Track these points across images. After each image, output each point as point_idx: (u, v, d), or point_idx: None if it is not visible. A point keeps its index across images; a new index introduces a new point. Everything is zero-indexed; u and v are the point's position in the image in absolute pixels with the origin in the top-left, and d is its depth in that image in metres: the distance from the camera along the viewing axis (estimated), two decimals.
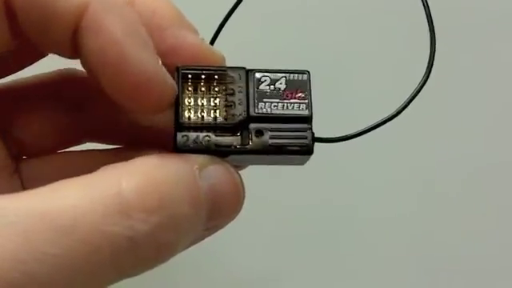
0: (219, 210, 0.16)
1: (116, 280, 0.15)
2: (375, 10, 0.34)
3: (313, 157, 0.18)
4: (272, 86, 0.17)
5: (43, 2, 0.16)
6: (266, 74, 0.17)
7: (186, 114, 0.17)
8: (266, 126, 0.17)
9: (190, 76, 0.17)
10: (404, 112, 0.18)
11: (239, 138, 0.17)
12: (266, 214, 0.29)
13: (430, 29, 0.18)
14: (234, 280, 0.30)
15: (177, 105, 0.17)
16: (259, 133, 0.17)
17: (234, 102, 0.17)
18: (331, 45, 0.33)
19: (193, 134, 0.17)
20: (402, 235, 0.32)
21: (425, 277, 0.32)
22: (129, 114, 0.19)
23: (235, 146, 0.17)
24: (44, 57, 0.20)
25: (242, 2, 0.20)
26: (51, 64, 0.20)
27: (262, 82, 0.17)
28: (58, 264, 0.13)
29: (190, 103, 0.17)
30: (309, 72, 0.18)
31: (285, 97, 0.17)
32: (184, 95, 0.17)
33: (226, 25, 0.20)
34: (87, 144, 0.21)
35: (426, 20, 0.18)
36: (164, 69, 0.16)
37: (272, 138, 0.17)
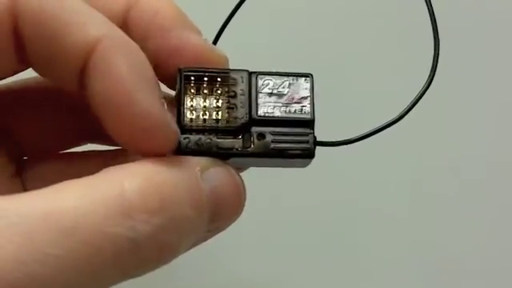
0: (221, 211, 0.16)
1: (118, 281, 0.15)
2: (378, 14, 0.34)
3: (314, 160, 0.18)
4: (275, 90, 0.17)
5: (52, 34, 0.15)
6: (268, 76, 0.17)
7: (188, 115, 0.17)
8: (268, 130, 0.17)
9: (192, 78, 0.17)
10: (406, 116, 0.18)
11: (241, 140, 0.17)
12: (267, 216, 0.29)
13: (433, 33, 0.18)
14: (236, 282, 0.30)
15: (179, 107, 0.17)
16: (261, 136, 0.17)
17: (237, 105, 0.17)
18: (334, 48, 0.33)
19: (195, 137, 0.17)
20: (404, 238, 0.32)
21: (427, 279, 0.31)
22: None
23: (237, 149, 0.17)
24: None
25: (245, 3, 0.20)
26: None
27: (265, 85, 0.17)
28: (60, 265, 0.13)
29: (192, 105, 0.17)
30: (312, 75, 0.18)
31: (287, 100, 0.17)
32: (186, 97, 0.17)
33: (229, 25, 0.20)
34: (88, 145, 0.21)
35: (429, 24, 0.18)
36: (169, 113, 0.16)
37: (274, 141, 0.17)
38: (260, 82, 0.17)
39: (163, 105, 0.16)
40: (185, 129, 0.17)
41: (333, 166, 0.26)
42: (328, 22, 0.33)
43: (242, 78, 0.17)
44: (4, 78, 0.18)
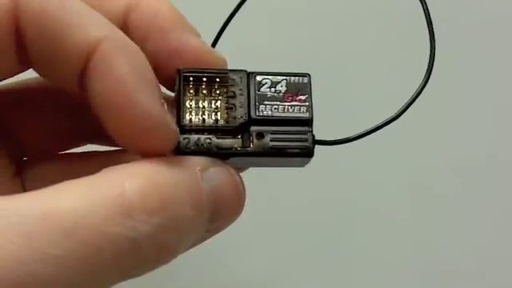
0: (220, 211, 0.16)
1: (118, 281, 0.15)
2: (375, 14, 0.34)
3: (313, 159, 0.18)
4: (273, 89, 0.17)
5: (53, 35, 0.16)
6: (266, 76, 0.18)
7: (188, 116, 0.17)
8: (267, 129, 0.17)
9: (191, 78, 0.17)
10: (404, 114, 0.18)
11: (240, 140, 0.17)
12: (266, 215, 0.29)
13: (429, 31, 0.18)
14: (234, 282, 0.30)
15: (178, 107, 0.17)
16: (260, 135, 0.17)
17: (235, 105, 0.17)
18: (332, 48, 0.33)
19: (194, 137, 0.17)
20: (403, 237, 0.32)
21: (426, 279, 0.32)
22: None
23: (236, 149, 0.17)
24: None
25: (243, 6, 0.20)
26: None
27: (263, 85, 0.17)
28: (60, 265, 0.13)
29: (191, 106, 0.17)
30: (309, 75, 0.18)
31: (285, 99, 0.17)
32: (185, 98, 0.17)
33: (228, 27, 0.20)
34: (88, 146, 0.22)
35: (425, 22, 0.18)
36: (168, 113, 0.16)
37: (273, 140, 0.17)
38: (258, 82, 0.17)
39: (163, 105, 0.16)
40: (184, 129, 0.17)
41: (332, 165, 0.26)
42: (326, 23, 0.34)
43: (240, 78, 0.18)
44: (5, 79, 0.18)
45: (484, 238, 0.32)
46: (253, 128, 0.17)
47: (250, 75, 0.18)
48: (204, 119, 0.17)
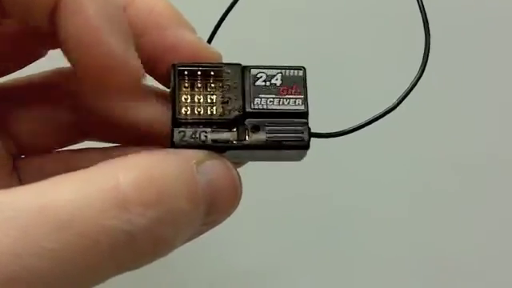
0: (217, 204, 0.16)
1: (114, 274, 0.15)
2: (370, 5, 0.34)
3: (310, 153, 0.18)
4: (268, 82, 0.18)
5: None
6: (261, 70, 0.18)
7: (183, 110, 0.17)
8: (263, 122, 0.17)
9: (186, 73, 0.17)
10: (400, 107, 0.18)
11: (236, 133, 0.17)
12: (262, 208, 0.29)
13: (424, 23, 0.18)
14: (231, 275, 0.30)
15: (173, 101, 0.17)
16: (255, 128, 0.17)
17: (231, 98, 0.17)
18: (327, 41, 0.33)
19: (190, 130, 0.17)
20: (399, 229, 0.32)
21: (423, 273, 0.32)
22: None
23: (232, 142, 0.17)
24: (42, 57, 0.20)
25: (238, 2, 0.20)
26: (50, 64, 0.20)
27: (258, 78, 0.18)
28: (56, 258, 0.13)
29: (186, 100, 0.17)
30: (304, 68, 0.18)
31: (281, 92, 0.17)
32: (181, 92, 0.17)
33: (223, 23, 0.20)
34: (85, 142, 0.22)
35: (420, 14, 0.18)
36: (134, 52, 0.17)
37: (268, 132, 0.17)
38: (253, 76, 0.18)
39: (131, 46, 0.17)
40: (180, 122, 0.17)
41: (328, 159, 0.26)
42: (320, 16, 0.34)
43: (235, 71, 0.18)
44: None
45: (483, 236, 0.32)
46: (248, 121, 0.17)
47: (244, 69, 0.18)
48: (199, 112, 0.17)
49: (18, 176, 0.20)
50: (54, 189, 0.14)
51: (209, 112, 0.17)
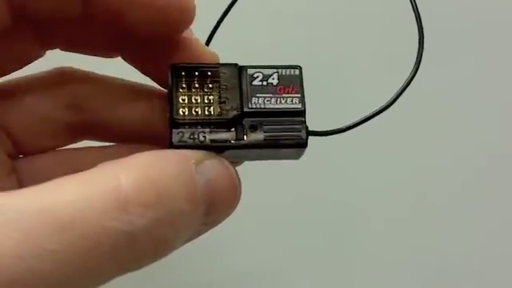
0: (216, 204, 0.16)
1: (115, 275, 0.15)
2: (366, 7, 0.34)
3: (309, 153, 0.18)
4: (265, 82, 0.18)
5: None
6: (258, 69, 0.18)
7: (181, 110, 0.17)
8: (260, 121, 0.17)
9: (183, 73, 0.17)
10: (397, 105, 0.18)
11: (234, 133, 0.17)
12: (261, 208, 0.30)
13: (417, 22, 0.18)
14: (231, 275, 0.30)
15: (171, 101, 0.17)
16: (253, 127, 0.17)
17: (228, 98, 0.17)
18: (324, 40, 0.33)
19: (188, 131, 0.17)
20: (398, 229, 0.32)
21: (422, 274, 0.32)
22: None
23: (230, 141, 0.17)
24: (41, 56, 0.20)
25: (235, 4, 0.20)
26: (48, 64, 0.21)
27: (255, 78, 0.18)
28: (58, 259, 0.13)
29: (184, 100, 0.17)
30: (300, 67, 0.18)
31: (278, 92, 0.18)
32: (178, 93, 0.17)
33: (220, 23, 0.20)
34: (84, 142, 0.22)
35: (414, 14, 0.18)
36: None
37: (266, 131, 0.17)
38: (250, 75, 0.18)
39: None
40: (178, 123, 0.17)
41: (325, 155, 0.26)
42: (317, 17, 0.34)
43: (232, 71, 0.18)
44: None
45: (483, 237, 0.32)
46: (246, 120, 0.17)
47: (241, 69, 0.18)
48: (197, 113, 0.17)
49: (17, 176, 0.20)
50: (55, 190, 0.14)
51: (206, 112, 0.17)
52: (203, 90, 0.17)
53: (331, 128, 0.18)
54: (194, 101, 0.17)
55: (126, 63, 0.20)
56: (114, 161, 0.15)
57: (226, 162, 0.17)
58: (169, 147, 0.17)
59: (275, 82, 0.18)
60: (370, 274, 0.31)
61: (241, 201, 0.17)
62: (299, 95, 0.18)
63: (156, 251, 0.15)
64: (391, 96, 0.18)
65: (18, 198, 0.14)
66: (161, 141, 0.18)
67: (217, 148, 0.17)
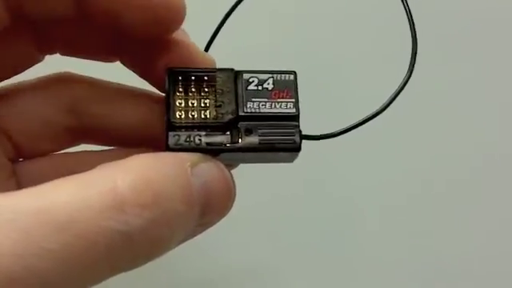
0: (211, 206, 0.17)
1: (112, 274, 0.15)
2: (359, 11, 0.34)
3: (303, 155, 0.18)
4: (260, 87, 0.18)
5: None
6: (253, 74, 0.18)
7: (178, 114, 0.17)
8: (255, 125, 0.18)
9: (180, 78, 0.18)
10: (391, 109, 0.18)
11: (229, 136, 0.18)
12: (256, 209, 0.30)
13: (410, 26, 0.19)
14: (226, 272, 0.30)
15: (168, 105, 0.18)
16: (248, 131, 0.18)
17: (224, 102, 0.18)
18: (318, 45, 0.34)
19: (184, 133, 0.17)
20: (392, 226, 0.32)
21: (419, 274, 0.32)
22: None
23: (225, 145, 0.17)
24: (40, 61, 0.21)
25: (233, 11, 0.20)
26: (47, 69, 0.21)
27: (250, 83, 0.18)
28: (55, 258, 0.14)
29: (180, 104, 0.18)
30: (295, 72, 0.18)
31: (272, 96, 0.18)
32: (175, 96, 0.18)
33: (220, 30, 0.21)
34: (82, 145, 0.22)
35: (407, 18, 0.19)
36: None
37: (261, 135, 0.18)
38: (245, 80, 0.18)
39: None
40: (174, 126, 0.17)
41: (318, 159, 0.27)
42: (313, 22, 0.34)
43: (228, 76, 0.18)
44: None
45: (483, 237, 0.32)
46: (241, 124, 0.18)
47: (237, 73, 0.18)
48: (193, 116, 0.17)
49: (17, 180, 0.21)
50: (53, 191, 0.15)
51: (203, 116, 0.18)
52: (200, 94, 0.18)
53: (325, 132, 0.18)
54: (190, 104, 0.18)
55: (125, 69, 0.21)
56: (112, 162, 0.16)
57: (221, 165, 0.17)
58: (165, 150, 0.17)
59: (270, 86, 0.18)
60: (365, 273, 0.31)
61: (238, 200, 0.17)
62: (293, 100, 0.18)
63: (152, 251, 0.15)
64: (385, 100, 0.18)
65: (17, 198, 0.14)
66: (159, 144, 0.18)
67: (212, 151, 0.17)
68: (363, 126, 0.18)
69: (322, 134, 0.18)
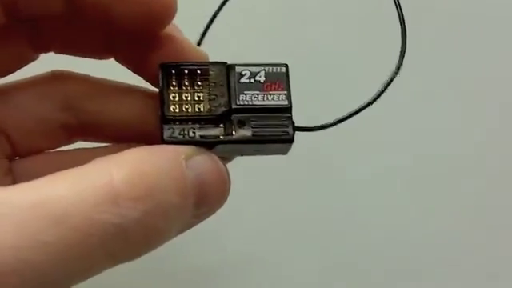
0: (206, 198, 0.17)
1: (108, 266, 0.15)
2: (350, 5, 0.35)
3: (298, 148, 0.18)
4: (252, 79, 0.18)
5: None
6: (246, 67, 0.18)
7: (171, 107, 0.18)
8: (248, 117, 0.18)
9: (173, 72, 0.18)
10: (381, 101, 0.19)
11: (223, 129, 0.18)
12: (250, 200, 0.30)
13: (399, 18, 0.19)
14: (221, 262, 0.31)
15: (162, 99, 0.18)
16: (241, 123, 0.18)
17: (217, 95, 0.18)
18: (311, 37, 0.34)
19: (178, 127, 0.17)
20: (388, 218, 0.32)
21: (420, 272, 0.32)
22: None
23: (219, 137, 0.18)
24: (35, 59, 0.21)
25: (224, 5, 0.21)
26: (42, 67, 0.21)
27: (243, 76, 0.18)
28: (51, 251, 0.14)
29: (174, 98, 0.18)
30: (287, 65, 0.18)
31: (265, 89, 0.18)
32: (169, 90, 0.18)
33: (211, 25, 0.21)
34: (78, 142, 0.22)
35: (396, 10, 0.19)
36: None
37: (254, 127, 0.18)
38: (238, 73, 0.18)
39: None
40: (168, 119, 0.18)
41: (311, 150, 0.27)
42: (305, 16, 0.34)
43: (220, 70, 0.18)
44: None
45: (482, 236, 0.32)
46: (234, 116, 0.18)
47: (229, 67, 0.18)
48: (187, 110, 0.18)
49: (13, 178, 0.21)
50: (48, 185, 0.15)
51: (196, 109, 0.18)
52: (193, 88, 0.18)
53: (318, 123, 0.19)
54: (184, 98, 0.18)
55: (119, 66, 0.21)
56: (107, 156, 0.16)
57: (216, 157, 0.17)
58: (160, 143, 0.17)
59: (262, 79, 0.18)
60: (364, 263, 0.31)
61: (240, 188, 0.18)
62: (285, 92, 0.18)
63: (147, 242, 0.16)
64: (373, 87, 0.18)
65: (13, 193, 0.14)
66: (155, 140, 0.18)
67: (206, 143, 0.18)
68: (355, 117, 0.18)
69: (315, 125, 0.19)
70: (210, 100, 0.18)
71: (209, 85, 0.18)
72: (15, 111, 0.21)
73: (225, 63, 0.18)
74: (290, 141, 0.18)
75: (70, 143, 0.22)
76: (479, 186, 0.33)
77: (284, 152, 0.19)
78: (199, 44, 0.21)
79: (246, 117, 0.18)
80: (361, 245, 0.32)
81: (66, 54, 0.21)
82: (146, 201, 0.15)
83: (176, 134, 0.17)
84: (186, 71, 0.18)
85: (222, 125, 0.18)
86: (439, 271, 0.32)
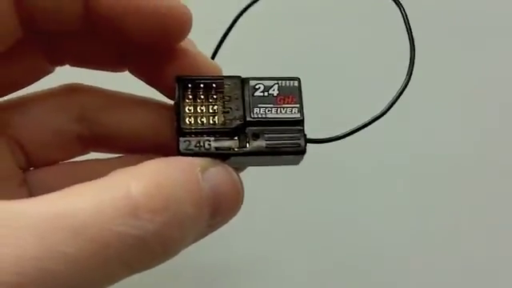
0: (220, 208, 0.17)
1: (125, 275, 0.15)
2: (359, 16, 0.35)
3: (308, 157, 0.19)
4: (266, 93, 0.19)
5: None
6: (259, 81, 0.19)
7: (187, 120, 0.18)
8: (262, 130, 0.18)
9: (189, 85, 0.18)
10: (391, 112, 0.19)
11: (237, 141, 0.18)
12: (255, 202, 0.30)
13: (407, 30, 0.19)
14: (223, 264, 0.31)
15: (178, 112, 0.18)
16: (256, 136, 0.18)
17: (232, 108, 0.18)
18: (322, 49, 0.34)
19: (194, 139, 0.18)
20: (395, 226, 0.32)
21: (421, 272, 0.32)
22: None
23: (234, 149, 0.18)
24: (51, 72, 0.21)
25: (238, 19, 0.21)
26: (58, 80, 0.22)
27: (257, 89, 0.19)
28: (70, 261, 0.14)
29: (190, 110, 0.18)
30: (299, 78, 0.19)
31: (278, 102, 0.19)
32: (185, 103, 0.18)
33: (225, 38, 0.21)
34: (92, 154, 0.22)
35: (404, 22, 0.19)
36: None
37: (268, 140, 0.18)
38: (252, 87, 0.19)
39: None
40: (185, 132, 0.18)
41: (323, 161, 0.27)
42: (316, 27, 0.35)
43: (235, 83, 0.19)
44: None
45: (484, 236, 0.33)
46: (249, 129, 0.18)
47: (244, 80, 0.19)
48: (203, 122, 0.18)
49: (28, 188, 0.21)
50: (68, 198, 0.15)
51: (211, 122, 0.18)
52: (208, 101, 0.18)
53: (331, 134, 0.19)
54: (199, 111, 0.18)
55: (134, 78, 0.21)
56: (125, 169, 0.16)
57: (230, 169, 0.18)
58: (176, 155, 0.18)
59: (275, 92, 0.19)
60: (368, 267, 0.32)
61: (249, 194, 0.18)
62: (298, 105, 0.19)
63: (163, 252, 0.16)
64: (384, 99, 0.19)
65: (33, 205, 0.15)
66: (168, 151, 0.19)
67: (221, 155, 0.18)
68: (366, 128, 0.19)
69: (326, 137, 0.19)
70: (224, 113, 0.18)
71: (223, 98, 0.18)
72: (32, 123, 0.21)
73: (239, 77, 0.19)
74: (302, 152, 0.18)
75: (84, 154, 0.22)
76: (479, 186, 0.33)
77: (296, 163, 0.19)
78: (213, 57, 0.21)
79: (260, 129, 0.18)
80: (362, 245, 0.32)
81: (81, 66, 0.21)
82: (163, 212, 0.15)
83: (192, 146, 0.18)
84: (202, 84, 0.18)
85: (236, 137, 0.18)
86: (439, 271, 0.32)
